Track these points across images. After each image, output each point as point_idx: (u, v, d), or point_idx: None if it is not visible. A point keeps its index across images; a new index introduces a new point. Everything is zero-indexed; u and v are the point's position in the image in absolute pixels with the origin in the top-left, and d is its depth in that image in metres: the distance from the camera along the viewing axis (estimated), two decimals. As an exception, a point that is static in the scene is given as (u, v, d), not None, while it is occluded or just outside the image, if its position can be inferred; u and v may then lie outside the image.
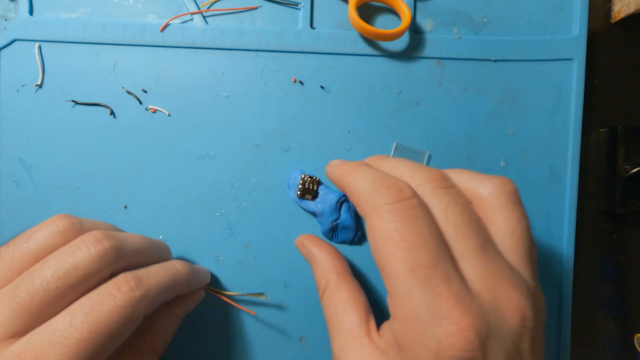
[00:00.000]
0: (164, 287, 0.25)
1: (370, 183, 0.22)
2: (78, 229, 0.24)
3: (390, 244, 0.20)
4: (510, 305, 0.19)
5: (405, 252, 0.19)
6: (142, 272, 0.24)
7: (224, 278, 0.34)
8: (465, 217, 0.21)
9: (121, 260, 0.24)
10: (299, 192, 0.33)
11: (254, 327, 0.34)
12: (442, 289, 0.18)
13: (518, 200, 0.23)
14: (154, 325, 0.27)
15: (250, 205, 0.34)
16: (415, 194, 0.21)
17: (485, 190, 0.23)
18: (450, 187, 0.22)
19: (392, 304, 0.20)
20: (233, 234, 0.34)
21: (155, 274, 0.25)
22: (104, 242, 0.23)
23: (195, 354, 0.33)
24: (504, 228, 0.22)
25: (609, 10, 0.37)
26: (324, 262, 0.29)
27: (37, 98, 0.33)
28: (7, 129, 0.33)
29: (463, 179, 0.24)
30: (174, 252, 0.34)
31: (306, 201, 0.34)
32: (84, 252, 0.22)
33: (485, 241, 0.21)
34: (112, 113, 0.34)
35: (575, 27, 0.35)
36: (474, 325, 0.18)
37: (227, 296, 0.26)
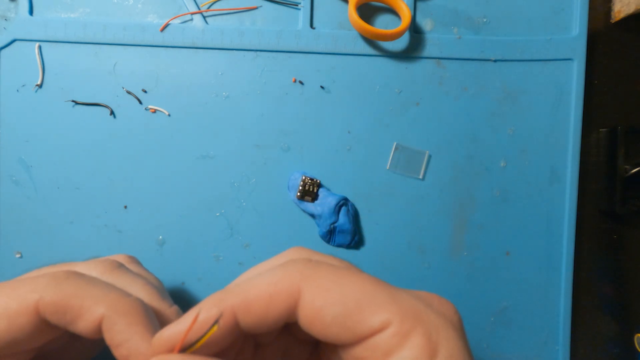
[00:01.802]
0: None
1: None
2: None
3: None
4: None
5: None
6: None
7: (224, 278, 0.34)
8: None
9: None
10: (298, 194, 0.33)
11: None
12: None
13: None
14: None
15: (250, 205, 0.34)
16: None
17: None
18: None
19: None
20: (233, 234, 0.34)
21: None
22: None
23: None
24: None
25: (609, 10, 0.37)
26: None
27: (37, 98, 0.33)
28: (7, 129, 0.33)
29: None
30: (174, 252, 0.34)
31: (305, 203, 0.34)
32: None
33: None
34: (112, 113, 0.34)
35: (575, 27, 0.35)
36: None
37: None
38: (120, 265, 0.24)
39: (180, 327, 0.17)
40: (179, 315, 0.23)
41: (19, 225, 0.33)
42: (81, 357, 0.25)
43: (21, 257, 0.33)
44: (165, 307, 0.23)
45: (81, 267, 0.23)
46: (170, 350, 0.17)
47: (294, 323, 0.18)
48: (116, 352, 0.19)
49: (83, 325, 0.19)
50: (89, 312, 0.19)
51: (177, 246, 0.34)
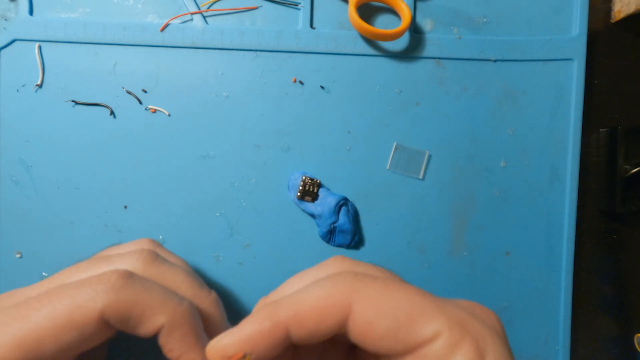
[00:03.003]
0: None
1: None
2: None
3: None
4: None
5: None
6: None
7: (224, 278, 0.34)
8: None
9: None
10: (298, 194, 0.33)
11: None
12: None
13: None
14: None
15: (250, 205, 0.34)
16: None
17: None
18: None
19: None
20: (233, 234, 0.34)
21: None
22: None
23: None
24: None
25: (609, 10, 0.37)
26: None
27: (37, 98, 0.33)
28: (7, 129, 0.33)
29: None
30: (174, 252, 0.34)
31: (305, 203, 0.34)
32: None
33: None
34: (112, 113, 0.34)
35: (575, 27, 0.35)
36: None
37: None
38: (157, 256, 0.24)
39: (233, 339, 0.18)
40: (217, 303, 0.24)
41: (19, 225, 0.33)
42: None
43: (21, 257, 0.33)
44: (205, 296, 0.24)
45: (121, 261, 0.23)
46: None
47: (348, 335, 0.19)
48: (168, 355, 0.20)
49: (143, 332, 0.20)
50: (150, 320, 0.20)
51: (177, 246, 0.34)
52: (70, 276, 0.22)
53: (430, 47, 0.35)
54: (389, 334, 0.17)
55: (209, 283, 0.34)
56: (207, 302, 0.24)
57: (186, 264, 0.27)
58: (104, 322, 0.19)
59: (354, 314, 0.17)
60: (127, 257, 0.23)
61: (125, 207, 0.34)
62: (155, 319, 0.20)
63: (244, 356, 0.17)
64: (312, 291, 0.18)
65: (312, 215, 0.34)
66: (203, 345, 0.20)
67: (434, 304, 0.18)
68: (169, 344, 0.20)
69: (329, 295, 0.18)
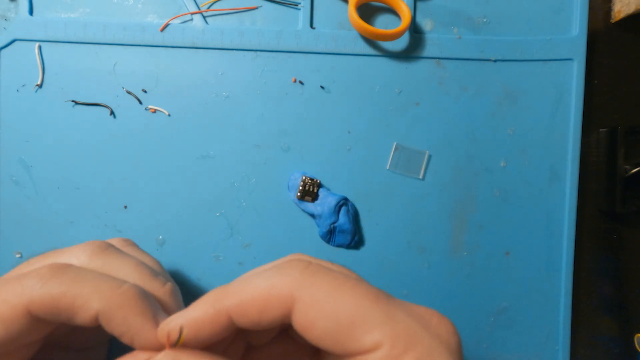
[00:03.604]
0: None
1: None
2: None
3: None
4: None
5: None
6: None
7: (224, 278, 0.34)
8: None
9: None
10: (299, 194, 0.33)
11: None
12: None
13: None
14: None
15: (250, 205, 0.34)
16: None
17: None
18: None
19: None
20: (233, 234, 0.34)
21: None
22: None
23: None
24: None
25: (609, 10, 0.37)
26: None
27: (37, 98, 0.33)
28: (7, 129, 0.33)
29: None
30: (174, 252, 0.34)
31: (305, 203, 0.34)
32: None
33: None
34: (112, 113, 0.34)
35: (575, 27, 0.35)
36: None
37: None
38: (109, 246, 0.23)
39: (178, 323, 0.18)
40: (173, 294, 0.23)
41: (19, 225, 0.33)
42: (97, 337, 0.25)
43: (21, 257, 0.33)
44: (158, 287, 0.22)
45: (69, 253, 0.22)
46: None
47: (292, 327, 0.18)
48: (121, 339, 0.19)
49: (80, 321, 0.19)
50: (83, 309, 0.19)
51: (177, 246, 0.34)
52: (19, 271, 0.22)
53: (430, 47, 0.35)
54: (329, 335, 0.17)
55: (210, 283, 0.34)
56: (160, 292, 0.22)
57: (154, 260, 0.26)
58: (32, 316, 0.19)
59: (296, 310, 0.17)
60: (75, 249, 0.23)
61: (125, 207, 0.34)
62: (87, 306, 0.19)
63: (180, 331, 0.18)
64: (258, 281, 0.18)
65: (312, 215, 0.34)
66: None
67: (382, 312, 0.17)
68: (115, 329, 0.19)
69: (272, 286, 0.17)
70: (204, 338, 0.18)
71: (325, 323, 0.17)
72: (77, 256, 0.22)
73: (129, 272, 0.22)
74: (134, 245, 0.27)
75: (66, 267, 0.20)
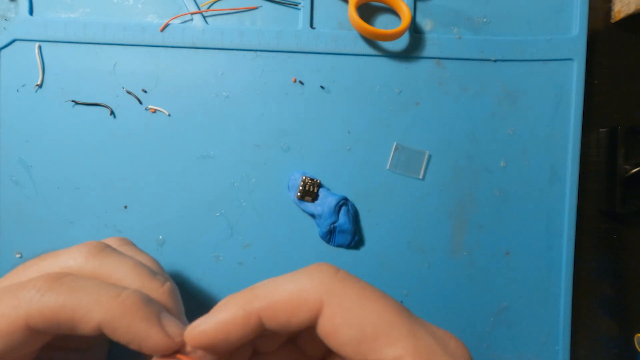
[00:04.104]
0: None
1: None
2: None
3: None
4: None
5: None
6: None
7: (224, 278, 0.34)
8: None
9: None
10: (299, 194, 0.33)
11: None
12: None
13: None
14: None
15: (250, 205, 0.34)
16: None
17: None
18: None
19: None
20: (233, 234, 0.34)
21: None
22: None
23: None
24: None
25: (609, 10, 0.37)
26: None
27: (37, 98, 0.33)
28: (7, 129, 0.33)
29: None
30: (174, 252, 0.34)
31: (305, 203, 0.34)
32: None
33: None
34: (112, 113, 0.34)
35: (575, 27, 0.35)
36: None
37: None
38: (105, 247, 0.23)
39: (208, 326, 0.18)
40: (172, 293, 0.22)
41: (19, 225, 0.33)
42: (98, 337, 0.25)
43: (21, 257, 0.33)
44: (157, 287, 0.22)
45: (65, 255, 0.22)
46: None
47: (301, 337, 0.19)
48: (129, 347, 0.19)
49: (82, 332, 0.19)
50: (84, 320, 0.18)
51: (177, 246, 0.34)
52: (16, 274, 0.22)
53: (430, 47, 0.35)
54: (352, 343, 0.17)
55: (210, 283, 0.34)
56: (159, 293, 0.22)
57: (152, 260, 0.26)
58: (31, 329, 0.18)
59: (323, 315, 0.17)
60: (72, 250, 0.22)
61: (125, 207, 0.34)
62: (89, 317, 0.18)
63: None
64: (287, 284, 0.18)
65: (312, 215, 0.34)
66: (171, 327, 0.19)
67: (405, 327, 0.17)
68: (121, 338, 0.18)
69: (301, 290, 0.17)
70: (235, 340, 0.18)
71: (350, 331, 0.17)
72: (73, 258, 0.22)
73: (126, 273, 0.22)
74: (132, 244, 0.27)
75: (63, 277, 0.19)
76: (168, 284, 0.23)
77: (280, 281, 0.18)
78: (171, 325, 0.19)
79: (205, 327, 0.18)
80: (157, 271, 0.24)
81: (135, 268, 0.22)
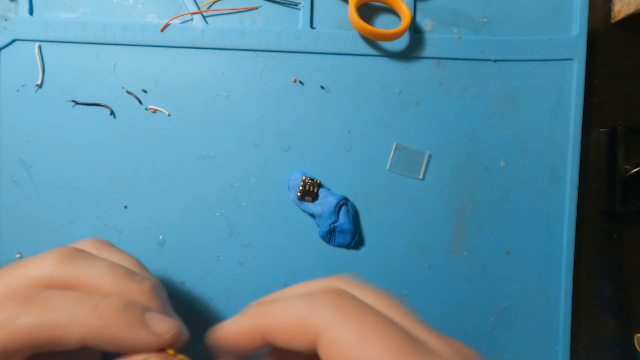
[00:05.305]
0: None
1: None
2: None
3: None
4: None
5: None
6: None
7: (224, 278, 0.34)
8: None
9: None
10: (299, 194, 0.33)
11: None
12: None
13: None
14: None
15: (250, 205, 0.34)
16: None
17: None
18: None
19: None
20: (233, 234, 0.34)
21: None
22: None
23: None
24: None
25: (609, 10, 0.37)
26: None
27: (37, 98, 0.33)
28: (7, 129, 0.33)
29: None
30: (174, 252, 0.34)
31: (305, 203, 0.34)
32: None
33: None
34: (112, 113, 0.34)
35: (575, 27, 0.35)
36: None
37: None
38: (76, 252, 0.22)
39: (229, 330, 0.19)
40: (152, 291, 0.22)
41: (19, 225, 0.33)
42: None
43: (21, 257, 0.33)
44: (135, 287, 0.21)
45: (33, 264, 0.21)
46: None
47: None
48: (121, 352, 0.19)
49: (66, 348, 0.18)
50: (65, 339, 0.18)
51: (177, 246, 0.34)
52: None
53: (430, 47, 0.35)
54: None
55: (210, 283, 0.34)
56: (139, 293, 0.21)
57: (132, 258, 0.25)
58: (11, 353, 0.18)
59: (319, 346, 0.17)
60: (41, 258, 0.21)
61: (125, 207, 0.34)
62: (70, 335, 0.18)
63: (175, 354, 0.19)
64: (291, 309, 0.18)
65: (312, 215, 0.34)
66: (158, 324, 0.19)
67: None
68: (108, 348, 0.18)
69: (301, 318, 0.18)
70: (242, 349, 0.19)
71: None
72: (43, 266, 0.21)
73: (102, 277, 0.21)
74: (108, 244, 0.26)
75: (34, 296, 0.18)
76: (147, 282, 0.22)
77: (289, 304, 0.19)
78: (158, 322, 0.19)
79: (221, 332, 0.19)
80: (135, 270, 0.23)
81: (111, 271, 0.21)
